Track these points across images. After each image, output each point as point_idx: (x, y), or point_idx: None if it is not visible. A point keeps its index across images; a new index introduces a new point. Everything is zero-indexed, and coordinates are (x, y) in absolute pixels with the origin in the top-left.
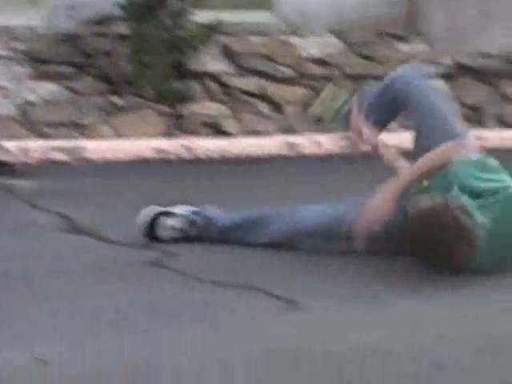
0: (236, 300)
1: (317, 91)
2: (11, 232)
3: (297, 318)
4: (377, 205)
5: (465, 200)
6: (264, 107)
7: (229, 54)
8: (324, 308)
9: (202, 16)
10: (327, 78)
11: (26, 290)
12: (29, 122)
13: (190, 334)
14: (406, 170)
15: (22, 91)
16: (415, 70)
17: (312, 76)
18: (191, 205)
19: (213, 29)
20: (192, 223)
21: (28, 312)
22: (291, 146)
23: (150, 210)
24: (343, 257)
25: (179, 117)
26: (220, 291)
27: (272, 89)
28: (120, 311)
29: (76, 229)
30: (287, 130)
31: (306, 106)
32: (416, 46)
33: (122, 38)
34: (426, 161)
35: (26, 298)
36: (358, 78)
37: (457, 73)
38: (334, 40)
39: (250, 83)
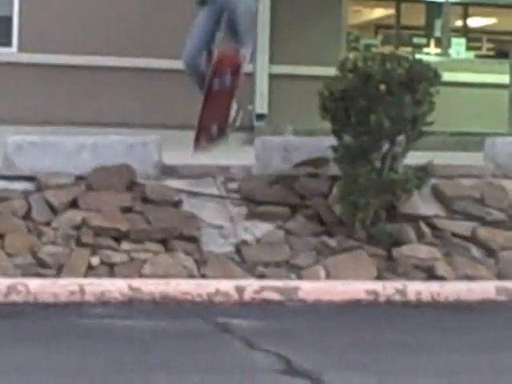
0: None
1: None
2: (229, 371)
3: None
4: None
5: None
6: (476, 251)
7: (440, 197)
8: None
9: (413, 157)
10: None
11: None
12: (244, 261)
13: None
14: None
15: (238, 231)
16: None
17: None
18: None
19: (425, 172)
20: None
21: None
22: (504, 291)
23: None
24: None
25: (391, 259)
26: None
27: (484, 233)
28: None
29: (294, 371)
30: (501, 275)
31: None
32: None
33: (334, 179)
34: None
35: None
36: None
37: None
38: None
39: (462, 226)
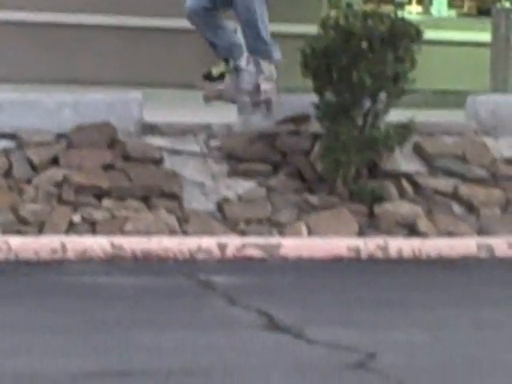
0: None
1: (509, 192)
2: (211, 327)
3: None
4: None
5: None
6: (457, 208)
7: (421, 154)
8: None
9: (395, 114)
10: None
11: None
12: (225, 219)
13: None
14: None
15: (219, 188)
16: None
17: (506, 177)
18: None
19: (407, 129)
20: None
21: None
22: (486, 247)
23: None
24: None
25: (373, 216)
26: None
27: (465, 190)
28: None
29: (275, 326)
30: (482, 231)
31: (501, 207)
32: None
33: (316, 136)
34: None
35: None
36: None
37: None
38: None
39: (444, 183)
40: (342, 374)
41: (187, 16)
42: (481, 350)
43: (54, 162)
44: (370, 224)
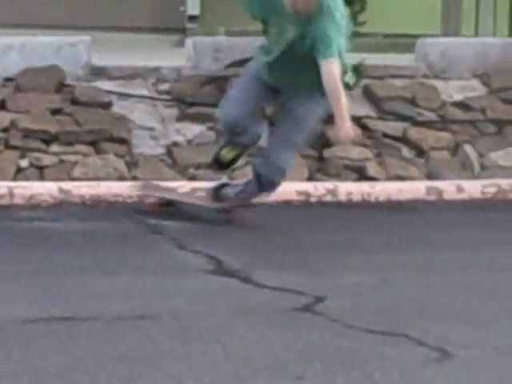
0: (386, 347)
1: (458, 135)
2: (160, 272)
3: (448, 368)
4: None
5: None
6: (407, 151)
7: (371, 97)
8: (477, 360)
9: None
10: (470, 123)
11: (176, 330)
12: (175, 163)
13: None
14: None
15: (169, 132)
16: None
17: (455, 121)
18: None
19: (357, 72)
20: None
21: (179, 353)
22: (434, 190)
23: None
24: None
25: (322, 160)
26: (369, 338)
27: (415, 133)
28: (271, 356)
29: (224, 271)
30: (431, 175)
31: (450, 151)
32: None
33: None
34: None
35: (177, 339)
36: (500, 123)
37: None
38: (477, 84)
39: (393, 127)
40: (290, 318)
41: (226, 126)
42: (427, 294)
43: (1, 106)
44: (320, 168)
